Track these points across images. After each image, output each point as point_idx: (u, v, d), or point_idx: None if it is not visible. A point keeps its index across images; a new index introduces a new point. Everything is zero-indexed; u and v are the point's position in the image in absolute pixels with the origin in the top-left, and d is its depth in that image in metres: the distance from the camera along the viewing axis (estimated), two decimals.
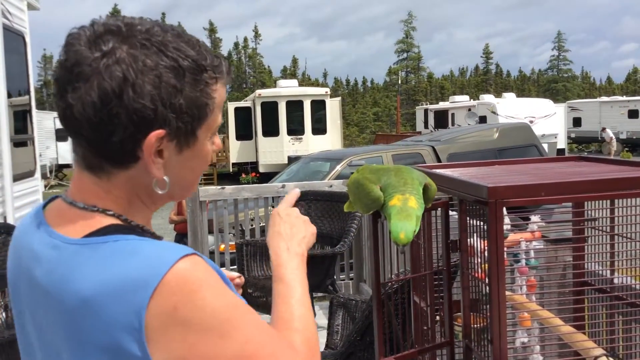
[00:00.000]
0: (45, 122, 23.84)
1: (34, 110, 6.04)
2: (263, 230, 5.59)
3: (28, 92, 5.86)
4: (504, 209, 1.49)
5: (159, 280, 0.77)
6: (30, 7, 5.95)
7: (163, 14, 69.20)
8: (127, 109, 0.82)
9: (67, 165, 26.82)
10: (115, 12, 60.34)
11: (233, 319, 0.81)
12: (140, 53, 0.84)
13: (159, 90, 0.83)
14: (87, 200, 0.89)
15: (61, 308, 0.82)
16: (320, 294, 4.74)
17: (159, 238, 0.90)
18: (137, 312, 0.77)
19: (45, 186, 21.95)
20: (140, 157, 0.86)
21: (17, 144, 5.34)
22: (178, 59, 0.85)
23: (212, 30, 63.72)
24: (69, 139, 0.91)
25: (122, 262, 0.80)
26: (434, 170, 1.89)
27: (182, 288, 0.78)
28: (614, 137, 27.76)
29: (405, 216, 1.43)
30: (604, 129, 28.59)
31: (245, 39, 66.96)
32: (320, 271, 4.36)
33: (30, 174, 5.67)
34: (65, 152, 26.24)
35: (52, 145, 25.12)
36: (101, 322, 0.78)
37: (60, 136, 25.72)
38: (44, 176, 21.53)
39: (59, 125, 25.68)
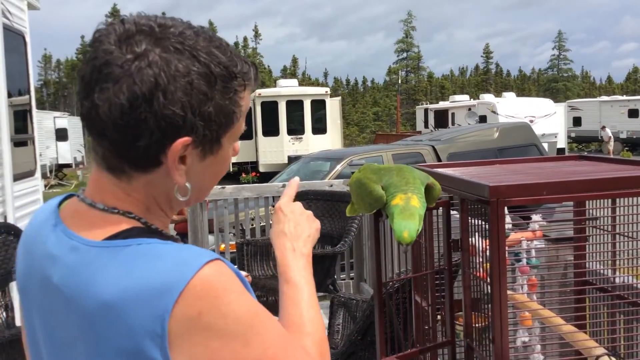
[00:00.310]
0: (45, 122, 23.87)
1: (34, 110, 6.03)
2: (263, 230, 5.59)
3: (28, 92, 5.86)
4: (505, 208, 1.49)
5: (184, 286, 0.76)
6: (31, 6, 5.95)
7: (163, 13, 69.04)
8: (156, 114, 0.81)
9: (67, 165, 26.86)
10: (114, 12, 60.32)
11: (255, 325, 0.81)
12: (173, 57, 0.82)
13: (189, 97, 0.82)
14: (107, 202, 0.87)
15: (80, 311, 0.80)
16: (320, 294, 4.74)
17: (178, 242, 0.89)
18: (161, 317, 0.75)
19: (45, 186, 21.94)
20: (163, 163, 0.84)
21: (17, 143, 5.33)
22: (210, 65, 0.84)
23: (211, 30, 63.60)
24: (91, 139, 0.88)
25: (146, 266, 0.78)
26: (435, 169, 1.89)
27: (207, 293, 0.77)
28: (612, 136, 27.78)
29: (408, 215, 1.43)
30: (603, 128, 28.60)
31: (245, 39, 67.11)
32: (320, 271, 4.36)
33: (30, 173, 5.67)
34: (65, 152, 26.28)
35: (52, 145, 25.13)
36: (122, 327, 0.77)
37: (60, 136, 25.75)
38: (44, 176, 21.53)
39: (58, 125, 25.79)
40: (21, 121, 5.76)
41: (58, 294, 0.84)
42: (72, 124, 27.87)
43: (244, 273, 1.13)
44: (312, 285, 1.00)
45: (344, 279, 5.65)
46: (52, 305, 0.86)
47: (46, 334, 0.89)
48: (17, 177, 5.13)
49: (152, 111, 0.80)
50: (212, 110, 0.84)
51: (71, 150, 26.80)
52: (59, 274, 0.84)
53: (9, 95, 5.03)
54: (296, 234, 1.05)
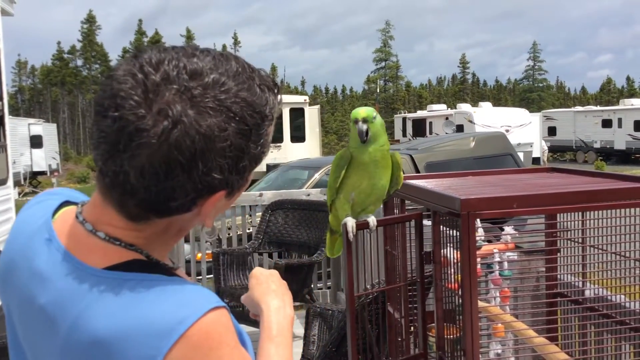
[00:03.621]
0: (19, 129, 23.49)
1: (7, 117, 5.93)
2: (240, 239, 5.55)
3: (1, 99, 5.76)
4: (478, 219, 1.49)
5: (183, 331, 0.74)
6: (4, 12, 5.86)
7: (140, 20, 68.85)
8: (194, 180, 0.77)
9: (42, 172, 26.44)
10: (90, 19, 59.76)
11: None
12: (210, 119, 0.76)
13: (227, 159, 0.78)
14: (109, 232, 0.82)
15: (66, 340, 0.77)
16: (297, 304, 4.71)
17: (175, 269, 0.87)
18: (154, 358, 0.73)
19: (19, 193, 21.57)
20: (192, 211, 0.81)
21: None
22: (245, 117, 0.78)
23: (189, 37, 63.59)
24: (101, 184, 0.80)
25: (147, 305, 0.76)
26: (409, 181, 1.90)
27: (202, 344, 0.75)
28: (546, 149, 28.21)
29: None
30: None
31: (224, 47, 66.94)
32: (297, 280, 4.35)
33: (2, 182, 5.56)
34: (39, 159, 25.88)
35: (26, 152, 24.73)
36: None
37: (34, 143, 25.36)
38: (17, 183, 21.16)
39: (33, 132, 25.37)
40: None
41: (41, 314, 0.81)
42: (47, 131, 27.49)
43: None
44: (291, 348, 0.99)
45: (321, 288, 5.63)
46: (31, 321, 0.83)
47: (25, 346, 0.86)
48: None
49: (191, 178, 0.76)
50: (247, 163, 0.81)
51: (46, 158, 26.39)
52: (48, 297, 0.80)
53: None
54: (281, 292, 1.04)
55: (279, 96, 0.86)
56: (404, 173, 1.60)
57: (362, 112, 1.47)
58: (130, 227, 0.82)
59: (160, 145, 0.74)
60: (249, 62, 0.84)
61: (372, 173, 1.52)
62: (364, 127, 1.45)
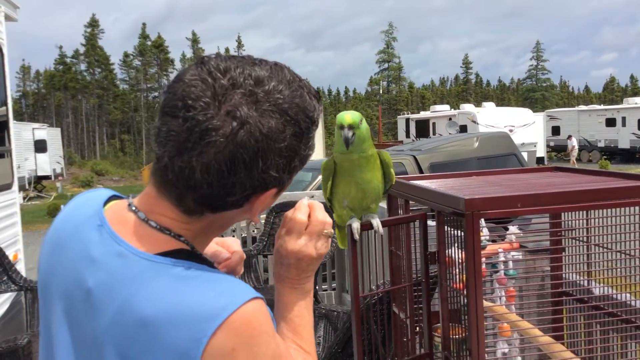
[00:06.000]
0: (24, 134, 23.57)
1: (12, 122, 5.95)
2: (245, 242, 5.56)
3: (5, 104, 5.78)
4: (482, 219, 1.49)
5: (226, 316, 0.78)
6: (8, 18, 5.88)
7: (144, 24, 69.03)
8: (253, 177, 0.84)
9: (46, 177, 26.52)
10: (93, 23, 59.92)
11: None
12: (272, 121, 0.83)
13: (284, 159, 0.85)
14: (161, 222, 0.88)
15: (115, 322, 0.81)
16: None
17: (213, 263, 0.92)
18: (199, 341, 0.77)
19: (24, 198, 21.65)
20: (243, 206, 0.88)
21: None
22: (300, 122, 0.86)
23: (194, 40, 63.76)
24: (161, 182, 0.87)
25: (193, 290, 0.80)
26: (412, 181, 1.90)
27: (244, 331, 0.79)
28: (576, 146, 28.19)
29: None
30: (569, 137, 28.99)
31: (227, 50, 67.02)
32: None
33: (7, 186, 5.58)
34: (44, 163, 25.97)
35: (30, 157, 24.81)
36: (158, 345, 0.78)
37: (39, 148, 25.44)
38: (22, 188, 21.22)
39: (37, 136, 25.44)
40: None
41: (88, 297, 0.84)
42: (51, 135, 27.57)
43: (226, 254, 1.16)
44: (311, 326, 1.02)
45: (326, 290, 5.64)
46: (75, 307, 0.86)
47: (63, 333, 0.88)
48: None
49: (251, 176, 0.83)
50: (298, 164, 0.89)
51: (50, 162, 26.47)
52: (97, 279, 0.84)
53: None
54: (315, 260, 1.02)
55: (320, 103, 0.93)
56: (407, 174, 1.58)
57: (347, 117, 1.36)
58: (182, 220, 0.88)
59: (227, 144, 0.80)
60: (296, 72, 0.92)
61: (359, 179, 1.46)
62: (349, 133, 1.36)
